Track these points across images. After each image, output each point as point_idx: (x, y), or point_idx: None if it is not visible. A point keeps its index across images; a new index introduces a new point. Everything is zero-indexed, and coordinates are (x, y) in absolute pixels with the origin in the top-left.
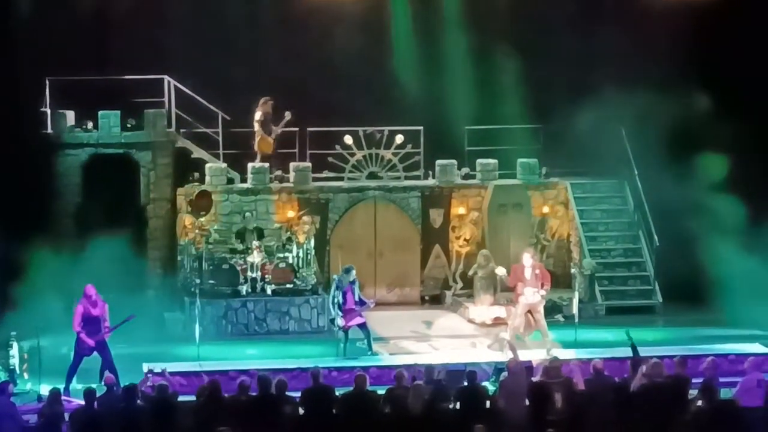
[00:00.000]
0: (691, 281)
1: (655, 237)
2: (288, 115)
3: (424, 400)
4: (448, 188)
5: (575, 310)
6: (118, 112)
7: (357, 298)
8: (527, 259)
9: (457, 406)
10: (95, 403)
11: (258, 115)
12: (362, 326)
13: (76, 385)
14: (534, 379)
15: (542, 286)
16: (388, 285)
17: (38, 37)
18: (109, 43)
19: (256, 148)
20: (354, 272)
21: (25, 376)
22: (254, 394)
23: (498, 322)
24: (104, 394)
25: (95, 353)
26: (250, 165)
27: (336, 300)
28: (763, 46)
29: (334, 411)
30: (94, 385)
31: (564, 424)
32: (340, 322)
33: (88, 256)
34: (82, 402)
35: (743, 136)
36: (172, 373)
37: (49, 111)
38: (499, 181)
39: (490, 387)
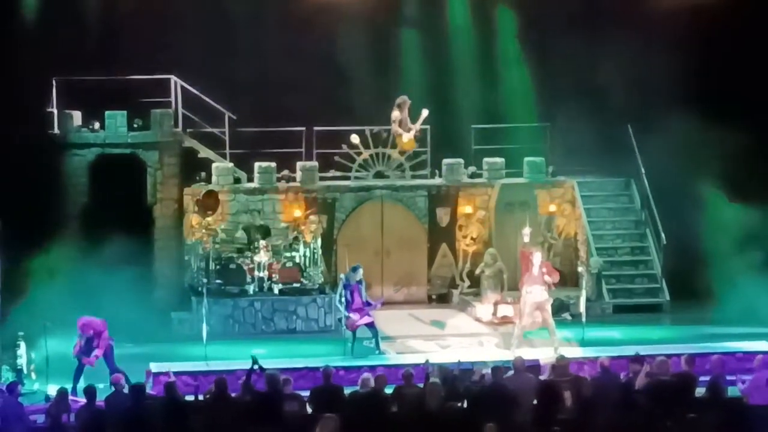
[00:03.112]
0: (699, 279)
1: (662, 235)
2: (425, 112)
3: (441, 398)
4: (454, 187)
5: (582, 308)
6: (125, 112)
7: (364, 299)
8: (537, 257)
9: (465, 404)
10: (96, 400)
11: (394, 114)
12: (370, 325)
13: (83, 385)
14: (542, 377)
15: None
16: (396, 284)
17: (45, 37)
18: (116, 43)
19: (397, 146)
20: (361, 271)
21: (33, 376)
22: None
23: (505, 320)
24: (112, 394)
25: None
26: (256, 164)
27: (343, 299)
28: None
29: (342, 410)
30: (101, 385)
31: (574, 423)
32: (353, 318)
33: (95, 256)
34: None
35: (747, 135)
36: (177, 373)
37: (55, 111)
38: (505, 179)
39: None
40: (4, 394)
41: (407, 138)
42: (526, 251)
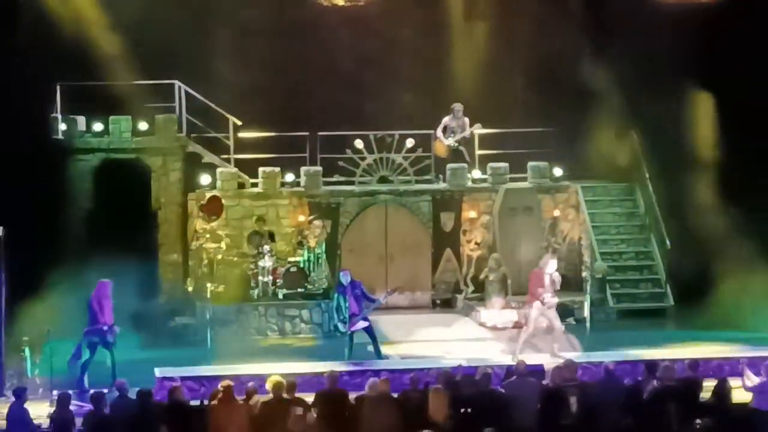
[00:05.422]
0: (703, 283)
1: (667, 240)
2: (478, 126)
3: (445, 403)
4: (458, 192)
5: (587, 313)
6: (129, 117)
7: (362, 301)
8: (552, 265)
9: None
10: (106, 407)
11: (445, 119)
12: (368, 330)
13: (87, 387)
14: (546, 382)
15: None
16: (397, 287)
17: (48, 42)
18: (120, 49)
19: (433, 150)
20: (345, 274)
21: (37, 381)
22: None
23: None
24: (117, 399)
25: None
26: (261, 169)
27: (338, 305)
28: None
29: (347, 414)
30: (106, 390)
31: (578, 428)
32: (341, 327)
33: (99, 261)
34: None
35: (749, 138)
36: (184, 378)
37: (60, 116)
38: (509, 184)
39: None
40: (10, 400)
41: (444, 144)
42: (539, 272)
